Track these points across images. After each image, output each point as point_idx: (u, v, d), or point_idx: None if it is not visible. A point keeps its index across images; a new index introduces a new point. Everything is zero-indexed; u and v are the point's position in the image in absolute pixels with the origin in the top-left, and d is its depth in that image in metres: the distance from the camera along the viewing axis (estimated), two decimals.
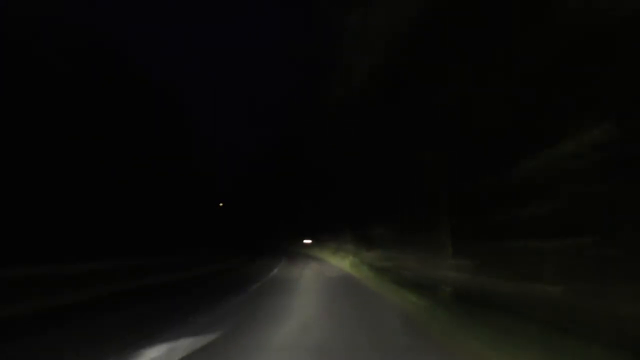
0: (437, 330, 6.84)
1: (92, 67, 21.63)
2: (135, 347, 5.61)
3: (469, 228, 10.27)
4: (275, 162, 54.53)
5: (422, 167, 13.04)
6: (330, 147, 25.93)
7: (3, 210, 15.69)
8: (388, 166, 17.28)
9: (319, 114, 25.21)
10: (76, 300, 10.57)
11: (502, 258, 8.09)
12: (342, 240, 30.99)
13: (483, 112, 9.27)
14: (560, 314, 5.91)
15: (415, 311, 8.57)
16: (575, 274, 6.16)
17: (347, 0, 14.62)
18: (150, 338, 6.10)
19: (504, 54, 8.50)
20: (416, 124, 12.88)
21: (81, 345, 5.89)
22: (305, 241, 48.67)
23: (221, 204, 48.70)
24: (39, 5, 18.67)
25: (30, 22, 18.20)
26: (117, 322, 7.69)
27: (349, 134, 21.40)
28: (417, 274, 12.44)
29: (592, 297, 5.70)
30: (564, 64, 7.06)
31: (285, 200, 54.26)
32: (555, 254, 6.62)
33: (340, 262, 26.30)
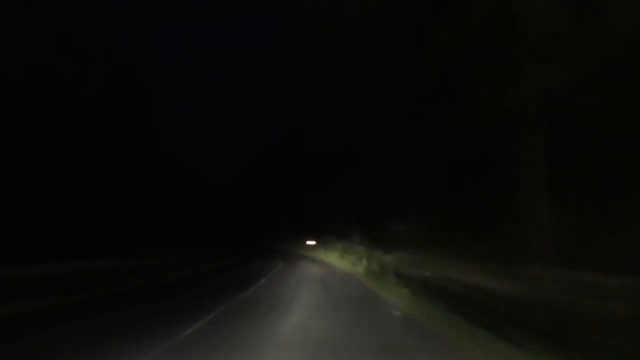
0: None
1: (91, 68, 21.62)
2: (134, 347, 5.62)
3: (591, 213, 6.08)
4: (276, 160, 54.38)
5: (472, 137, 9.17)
6: (336, 132, 21.88)
7: (2, 210, 15.69)
8: (412, 144, 13.55)
9: (326, 92, 22.07)
10: (75, 299, 10.56)
11: None
12: (351, 241, 27.78)
13: None
14: None
15: None
16: None
17: None
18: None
19: None
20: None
21: (80, 345, 5.88)
22: (308, 242, 45.29)
23: (225, 206, 48.69)
24: (38, 5, 18.65)
25: (29, 23, 18.18)
26: (118, 322, 7.68)
27: (363, 107, 17.66)
28: (495, 295, 7.25)
29: None
30: None
31: (286, 199, 54.04)
32: None
33: (351, 267, 21.35)
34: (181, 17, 74.81)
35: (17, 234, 15.74)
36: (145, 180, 26.03)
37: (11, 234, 15.44)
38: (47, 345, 5.97)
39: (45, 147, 17.91)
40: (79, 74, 20.60)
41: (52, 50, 18.96)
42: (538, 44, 7.27)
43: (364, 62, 15.79)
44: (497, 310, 6.54)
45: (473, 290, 8.08)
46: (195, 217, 38.49)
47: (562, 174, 6.91)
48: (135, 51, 26.28)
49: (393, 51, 13.54)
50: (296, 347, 5.69)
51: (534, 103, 7.35)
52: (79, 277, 12.45)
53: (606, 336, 4.24)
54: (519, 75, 7.58)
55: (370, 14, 13.10)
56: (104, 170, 21.62)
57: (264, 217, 61.04)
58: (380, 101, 15.88)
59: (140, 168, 25.37)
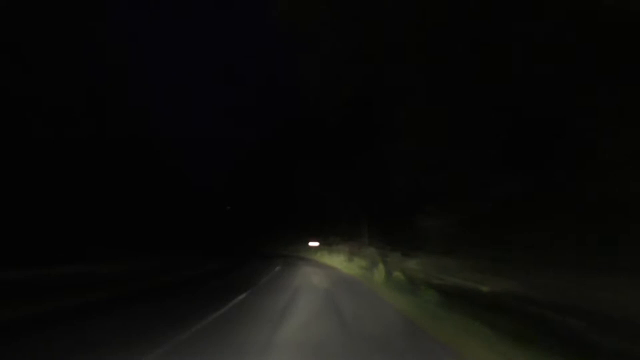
0: None
1: (89, 68, 21.62)
2: (134, 347, 5.59)
3: None
4: (274, 158, 53.80)
5: None
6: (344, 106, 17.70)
7: (4, 213, 15.64)
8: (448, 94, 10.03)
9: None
10: (69, 304, 10.50)
11: None
12: (358, 241, 24.89)
13: None
14: None
15: None
16: None
17: None
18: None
19: None
20: None
21: (80, 345, 5.87)
22: (311, 243, 41.95)
23: (222, 207, 48.36)
24: (38, 9, 18.60)
25: (29, 24, 18.13)
26: (114, 325, 7.65)
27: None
28: None
29: None
30: None
31: (286, 198, 53.38)
32: None
33: (364, 275, 17.34)
34: (180, 16, 74.94)
35: (16, 237, 15.70)
36: (143, 183, 26.05)
37: (10, 237, 15.39)
38: (47, 346, 5.97)
39: (43, 148, 17.88)
40: (77, 75, 20.58)
41: (50, 52, 18.90)
42: None
43: None
44: None
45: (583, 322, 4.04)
46: (192, 220, 38.46)
47: None
48: (132, 51, 26.29)
49: None
50: None
51: None
52: (75, 281, 12.43)
53: None
54: None
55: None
56: (102, 172, 21.63)
57: (264, 217, 60.53)
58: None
59: (137, 172, 25.38)
